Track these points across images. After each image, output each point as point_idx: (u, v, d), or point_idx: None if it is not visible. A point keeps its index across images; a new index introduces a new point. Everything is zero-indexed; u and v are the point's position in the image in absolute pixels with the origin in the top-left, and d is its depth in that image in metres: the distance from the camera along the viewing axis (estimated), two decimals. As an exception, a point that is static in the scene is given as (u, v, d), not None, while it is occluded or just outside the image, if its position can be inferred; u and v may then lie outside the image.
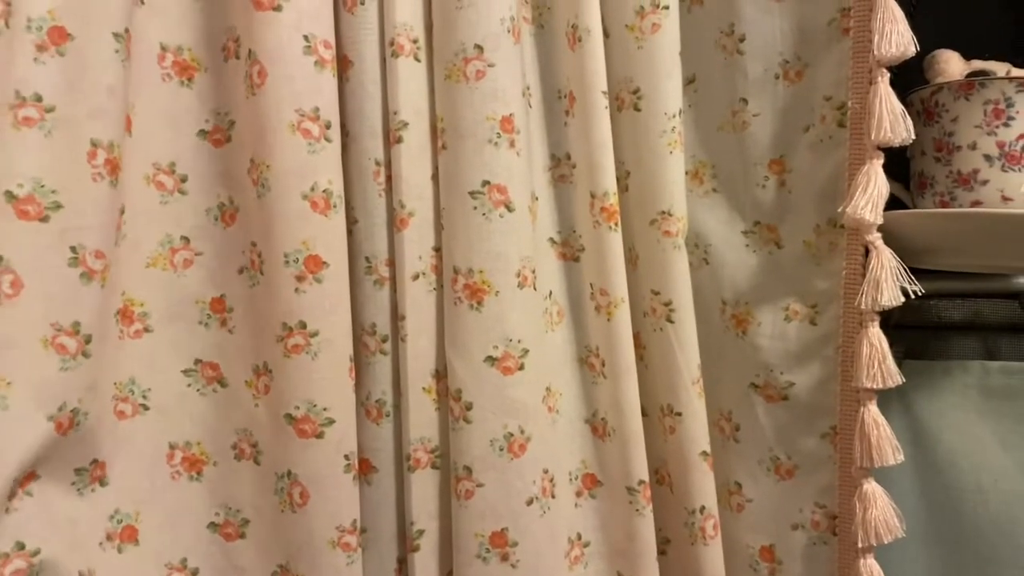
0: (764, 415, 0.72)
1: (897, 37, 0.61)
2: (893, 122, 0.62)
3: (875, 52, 0.62)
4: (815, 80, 0.68)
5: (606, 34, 0.69)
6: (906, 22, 0.62)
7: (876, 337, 0.64)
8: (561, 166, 0.74)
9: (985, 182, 0.65)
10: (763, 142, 0.71)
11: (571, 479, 0.74)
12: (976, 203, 0.65)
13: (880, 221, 0.62)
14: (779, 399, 0.72)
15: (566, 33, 0.70)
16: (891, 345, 0.79)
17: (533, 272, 0.69)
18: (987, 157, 0.64)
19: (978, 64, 0.68)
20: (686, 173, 0.74)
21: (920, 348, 0.82)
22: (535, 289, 0.70)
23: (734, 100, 0.72)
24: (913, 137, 0.62)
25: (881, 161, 0.63)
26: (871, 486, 0.66)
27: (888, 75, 0.63)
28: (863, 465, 0.65)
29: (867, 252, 0.64)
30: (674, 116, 0.69)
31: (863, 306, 0.63)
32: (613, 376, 0.71)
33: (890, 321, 0.78)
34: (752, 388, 0.73)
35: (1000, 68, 0.68)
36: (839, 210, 0.64)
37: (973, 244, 0.66)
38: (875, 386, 0.64)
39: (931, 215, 0.66)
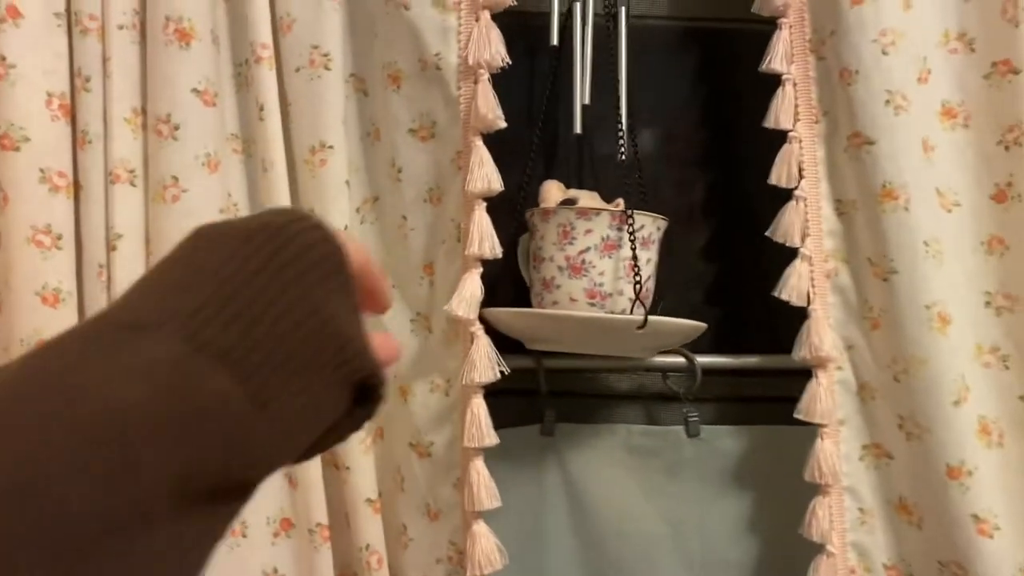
0: (418, 468, 0.89)
1: (482, 178, 0.80)
2: (482, 240, 0.80)
3: (467, 188, 0.81)
4: (447, 204, 0.86)
5: (290, 166, 0.88)
6: (493, 164, 0.81)
7: (478, 406, 0.81)
8: (267, 267, 0.91)
9: (559, 287, 0.83)
10: (418, 250, 0.89)
11: (269, 522, 0.90)
12: (555, 303, 0.83)
13: (473, 317, 0.80)
14: (426, 455, 0.88)
15: (261, 164, 0.88)
16: (545, 411, 0.97)
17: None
18: (560, 268, 0.82)
19: (572, 193, 0.86)
20: (374, 271, 0.92)
21: (580, 413, 0.99)
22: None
23: (398, 216, 0.90)
24: (500, 253, 0.81)
25: (479, 271, 0.81)
26: (479, 527, 0.82)
27: (484, 203, 0.81)
28: (470, 509, 0.82)
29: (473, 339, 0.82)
30: (342, 230, 0.87)
31: (465, 382, 0.81)
32: (301, 437, 0.88)
33: (540, 390, 0.96)
34: (410, 447, 0.89)
35: (586, 197, 0.86)
36: (444, 308, 0.82)
37: (554, 335, 0.83)
38: (475, 445, 0.81)
39: (515, 313, 0.84)
